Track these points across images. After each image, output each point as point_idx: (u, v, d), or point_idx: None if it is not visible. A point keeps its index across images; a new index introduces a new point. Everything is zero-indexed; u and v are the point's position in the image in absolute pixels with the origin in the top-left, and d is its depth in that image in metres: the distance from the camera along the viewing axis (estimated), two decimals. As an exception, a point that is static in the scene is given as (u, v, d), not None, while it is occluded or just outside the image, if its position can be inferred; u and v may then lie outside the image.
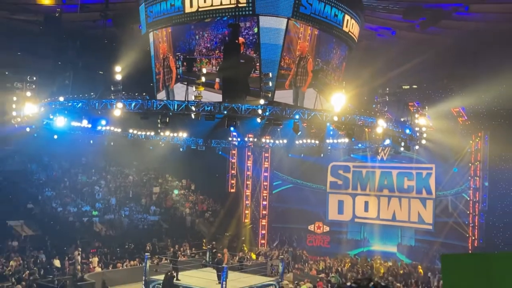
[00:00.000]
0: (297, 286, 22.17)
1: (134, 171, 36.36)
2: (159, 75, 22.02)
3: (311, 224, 33.27)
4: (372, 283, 1.16)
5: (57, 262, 23.75)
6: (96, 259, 25.10)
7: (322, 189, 33.52)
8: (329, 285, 22.46)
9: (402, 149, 24.75)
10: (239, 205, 35.23)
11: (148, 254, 24.05)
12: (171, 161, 33.92)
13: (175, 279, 21.92)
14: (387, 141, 25.66)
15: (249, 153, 35.58)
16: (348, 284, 1.18)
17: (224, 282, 20.62)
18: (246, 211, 35.37)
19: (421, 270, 26.27)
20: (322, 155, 31.25)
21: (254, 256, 30.19)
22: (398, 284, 23.16)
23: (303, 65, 20.75)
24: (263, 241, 34.44)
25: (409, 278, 24.93)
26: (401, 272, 26.32)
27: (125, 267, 25.40)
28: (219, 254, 23.76)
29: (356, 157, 32.02)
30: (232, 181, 36.06)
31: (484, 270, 3.56)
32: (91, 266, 24.40)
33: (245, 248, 31.60)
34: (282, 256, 27.59)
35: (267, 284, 23.12)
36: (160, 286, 22.07)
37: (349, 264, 27.83)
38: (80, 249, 25.58)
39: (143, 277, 22.58)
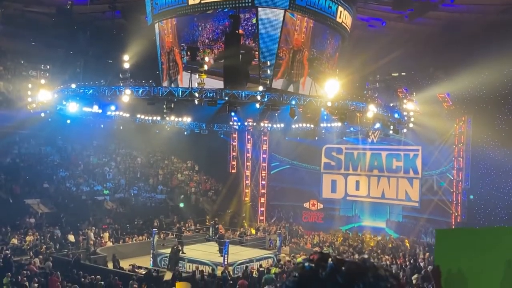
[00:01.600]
0: (293, 258, 22.42)
1: (142, 153, 36.39)
2: (164, 65, 21.93)
3: (306, 202, 33.45)
4: (330, 260, 1.02)
5: (71, 237, 23.98)
6: (107, 234, 25.30)
7: (316, 170, 33.62)
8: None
9: (391, 132, 24.80)
10: (239, 185, 35.37)
11: (156, 229, 24.28)
12: (176, 144, 33.93)
13: (180, 252, 22.17)
14: (377, 125, 25.68)
15: (249, 136, 35.58)
16: (307, 264, 0.99)
17: (225, 255, 20.86)
18: (246, 190, 35.53)
19: (408, 244, 26.52)
20: (316, 138, 31.26)
21: (253, 231, 30.44)
22: (387, 257, 23.40)
23: (299, 58, 20.66)
24: (262, 218, 34.68)
25: (397, 251, 25.18)
26: (390, 245, 26.57)
27: (134, 241, 25.62)
28: (221, 230, 23.98)
29: (348, 140, 32.05)
30: (233, 162, 36.13)
31: (473, 243, 3.66)
32: (103, 241, 24.61)
33: (245, 224, 31.84)
34: (280, 231, 27.84)
35: (266, 257, 23.38)
36: (167, 259, 22.33)
37: (342, 238, 28.09)
38: (92, 225, 25.78)
39: (151, 251, 22.82)
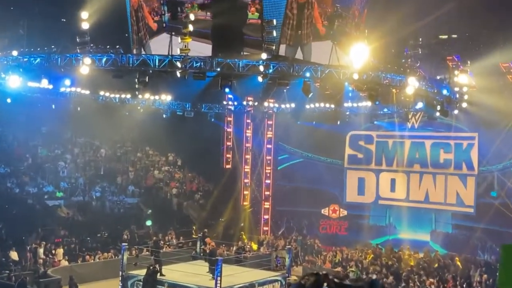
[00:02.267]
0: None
1: (107, 143, 36.39)
2: (134, 27, 21.83)
3: (325, 207, 33.48)
4: (326, 286, 1.01)
5: (14, 255, 23.98)
6: (61, 251, 25.34)
7: (338, 164, 33.59)
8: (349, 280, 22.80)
9: (437, 114, 24.76)
10: (236, 185, 35.39)
11: (126, 244, 24.29)
12: (152, 131, 33.90)
13: (158, 274, 22.20)
14: (419, 105, 25.61)
15: (249, 121, 35.56)
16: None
17: (218, 278, 20.90)
18: (245, 192, 35.56)
19: (459, 263, 26.57)
20: (338, 122, 31.24)
21: (255, 247, 30.51)
22: (431, 280, 23.46)
23: (309, 13, 20.53)
24: (266, 228, 34.75)
25: (445, 272, 25.23)
26: (435, 265, 26.61)
27: (97, 260, 25.68)
28: (211, 244, 24.02)
29: (381, 125, 32.02)
30: (228, 155, 36.13)
31: None
32: (56, 260, 24.66)
33: (244, 237, 31.94)
34: (290, 246, 27.88)
35: (272, 280, 23.44)
36: (141, 283, 22.36)
37: (372, 255, 28.15)
38: (42, 239, 25.81)
39: (120, 272, 22.86)
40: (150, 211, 32.27)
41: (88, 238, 27.86)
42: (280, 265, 27.15)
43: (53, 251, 25.22)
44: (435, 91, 22.98)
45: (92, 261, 25.51)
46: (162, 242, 25.87)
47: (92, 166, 34.25)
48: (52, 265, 24.03)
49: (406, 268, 26.07)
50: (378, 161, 32.44)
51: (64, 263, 24.69)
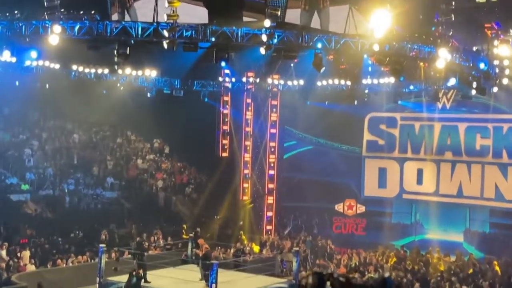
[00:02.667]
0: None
1: (81, 126, 36.42)
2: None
3: (339, 203, 33.57)
4: (329, 285, 1.10)
5: (-27, 258, 24.11)
6: (27, 253, 25.38)
7: (355, 152, 33.64)
8: None
9: (473, 92, 24.73)
10: (234, 176, 35.47)
11: (104, 245, 24.36)
12: (134, 112, 33.91)
13: (142, 281, 22.31)
14: (452, 81, 25.65)
15: (249, 100, 35.56)
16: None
17: (213, 285, 21.01)
18: (245, 185, 35.63)
19: (497, 268, 26.65)
20: (356, 102, 31.21)
21: (256, 249, 30.64)
22: (465, 287, 23.56)
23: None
24: (269, 227, 34.86)
25: (481, 278, 25.33)
26: (470, 271, 26.70)
27: (70, 264, 25.76)
28: (205, 245, 24.12)
29: (406, 105, 32.04)
30: (224, 141, 36.15)
31: None
32: (21, 264, 24.71)
33: (244, 238, 32.03)
34: (297, 248, 27.99)
35: (276, 288, 23.56)
36: (122, 291, 22.50)
37: (394, 259, 28.25)
38: (4, 239, 25.90)
39: (97, 279, 22.97)
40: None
41: (59, 239, 27.92)
42: (286, 270, 27.23)
43: (18, 254, 25.24)
44: (471, 65, 22.94)
45: (64, 265, 25.51)
46: (146, 244, 25.94)
47: (64, 154, 34.27)
48: (16, 270, 24.06)
49: (435, 274, 26.17)
50: (403, 148, 32.45)
51: (31, 267, 24.73)
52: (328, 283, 0.90)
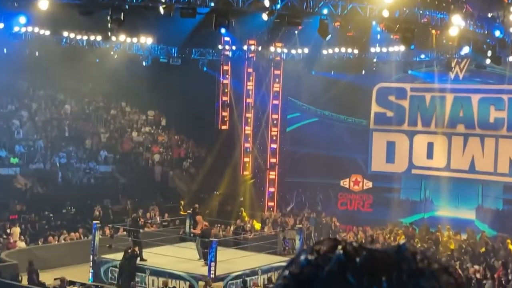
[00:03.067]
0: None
1: (73, 96, 36.26)
2: None
3: (344, 178, 33.51)
4: (340, 248, 1.07)
5: (-41, 235, 24.12)
6: (17, 230, 25.44)
7: (362, 125, 33.51)
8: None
9: (488, 61, 24.58)
10: (234, 150, 35.39)
11: (98, 222, 24.39)
12: (129, 82, 33.71)
13: (138, 259, 22.33)
14: (465, 50, 25.48)
15: (250, 70, 35.35)
16: (303, 257, 1.08)
17: (212, 263, 21.01)
18: (246, 159, 35.56)
19: (511, 246, 26.65)
20: (363, 72, 31.05)
21: (257, 226, 30.65)
22: (476, 267, 23.54)
23: None
24: (271, 204, 34.86)
25: (493, 257, 25.33)
26: (482, 249, 26.70)
27: (62, 241, 25.81)
28: (205, 223, 24.13)
29: (417, 75, 31.84)
30: (224, 113, 36.01)
31: None
32: (11, 241, 24.75)
33: (244, 214, 32.05)
34: (300, 226, 28.01)
35: (278, 267, 23.54)
36: (117, 270, 22.50)
37: (403, 237, 28.24)
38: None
39: (91, 256, 23.00)
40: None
41: (51, 215, 27.98)
42: (289, 248, 27.25)
43: (8, 230, 25.31)
44: (486, 32, 22.76)
45: (56, 242, 25.61)
46: (142, 220, 25.98)
47: (55, 126, 34.17)
48: (6, 247, 24.14)
49: (445, 252, 26.20)
50: (413, 121, 32.30)
51: (22, 244, 24.81)
52: (340, 246, 0.85)
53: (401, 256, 1.07)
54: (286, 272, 1.09)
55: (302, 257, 1.10)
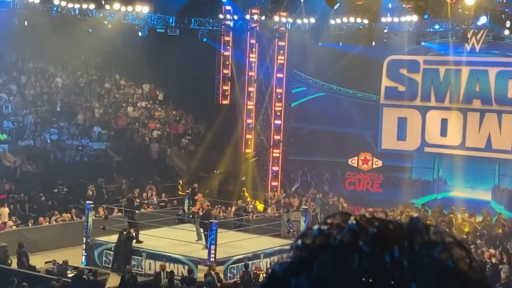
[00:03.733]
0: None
1: (64, 69, 36.19)
2: None
3: (353, 157, 33.52)
4: (353, 219, 1.12)
5: None
6: (6, 210, 25.52)
7: (372, 100, 33.46)
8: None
9: (507, 32, 24.44)
10: (236, 126, 35.39)
11: (91, 202, 24.50)
12: (124, 54, 33.69)
13: (134, 241, 22.47)
14: (482, 20, 25.37)
15: (253, 41, 35.23)
16: (317, 227, 1.13)
17: (212, 246, 21.13)
18: (248, 136, 35.57)
19: (529, 229, 26.78)
20: (374, 43, 30.89)
21: (260, 207, 30.75)
22: (492, 251, 23.64)
23: None
24: (275, 183, 34.93)
25: (510, 241, 25.40)
26: (499, 231, 26.77)
27: (54, 223, 25.90)
28: (205, 203, 24.22)
29: (431, 47, 31.70)
30: (225, 87, 35.96)
31: None
32: (0, 222, 24.90)
33: (246, 195, 32.16)
34: (306, 207, 28.10)
35: (282, 250, 23.66)
36: (111, 253, 22.65)
37: (414, 219, 28.35)
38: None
39: (84, 239, 23.14)
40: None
41: (42, 194, 28.00)
42: (293, 230, 27.34)
43: (-4, 211, 25.44)
44: (504, 1, 22.61)
45: (47, 224, 25.69)
46: (138, 201, 26.04)
47: (45, 100, 34.15)
48: (-5, 228, 24.29)
49: (459, 235, 26.26)
50: (425, 96, 32.23)
51: (11, 225, 24.91)
52: (352, 217, 0.92)
53: (414, 227, 1.11)
54: (299, 242, 1.13)
55: (315, 228, 1.14)
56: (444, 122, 31.92)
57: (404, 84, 32.72)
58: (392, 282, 1.04)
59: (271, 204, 31.08)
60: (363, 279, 1.04)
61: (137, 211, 24.52)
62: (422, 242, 1.08)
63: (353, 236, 1.08)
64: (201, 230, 22.80)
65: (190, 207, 25.70)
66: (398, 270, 1.04)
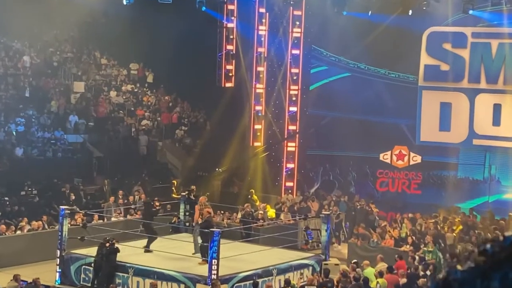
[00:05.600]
0: (356, 269, 22.62)
1: (33, 45, 36.28)
2: None
3: (385, 151, 33.41)
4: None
5: None
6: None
7: (409, 81, 33.36)
8: (422, 265, 22.89)
9: None
10: (242, 114, 35.36)
11: (67, 207, 24.48)
12: (105, 27, 33.71)
13: (114, 254, 22.43)
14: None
15: (263, 10, 35.15)
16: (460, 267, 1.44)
17: (214, 260, 21.07)
18: (257, 126, 35.50)
19: None
20: (410, 12, 30.80)
21: (272, 213, 30.72)
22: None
23: None
24: (289, 184, 34.89)
25: None
26: None
27: (19, 232, 25.96)
28: (206, 209, 24.13)
29: (481, 17, 31.65)
30: (229, 67, 35.87)
31: None
32: (-43, 231, 25.00)
33: (255, 198, 32.14)
34: (328, 212, 28.03)
35: (299, 265, 23.65)
36: (92, 268, 22.63)
37: (461, 226, 28.26)
38: None
39: (57, 252, 23.12)
40: None
41: (6, 198, 28.12)
42: (312, 241, 27.28)
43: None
44: None
45: (13, 234, 25.75)
46: (157, 205, 25.74)
47: (10, 84, 34.22)
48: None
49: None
50: (474, 76, 32.11)
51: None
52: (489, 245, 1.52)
53: None
54: (488, 246, 1.43)
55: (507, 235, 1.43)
56: (497, 108, 31.77)
57: (448, 62, 32.56)
58: None
59: (285, 209, 31.02)
60: None
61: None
62: None
63: None
64: (200, 241, 22.71)
65: (187, 213, 25.62)
66: None
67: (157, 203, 25.32)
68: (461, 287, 1.27)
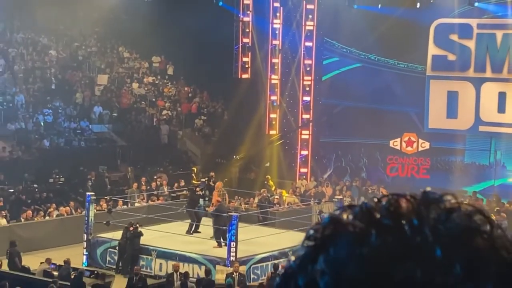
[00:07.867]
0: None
1: (59, 39, 36.30)
2: None
3: (395, 138, 33.36)
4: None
5: None
6: (-4, 204, 25.80)
7: (417, 71, 33.27)
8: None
9: None
10: (258, 104, 35.34)
11: (92, 193, 24.60)
12: (128, 22, 33.71)
13: (138, 238, 22.51)
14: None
15: (277, 4, 35.10)
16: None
17: (233, 243, 21.16)
18: (273, 115, 35.50)
19: None
20: (418, 5, 30.68)
21: (287, 197, 30.75)
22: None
23: None
24: (304, 170, 34.89)
25: None
26: None
27: (48, 218, 26.07)
28: (215, 198, 24.17)
29: (486, 8, 31.50)
30: (245, 59, 35.86)
31: None
32: (-13, 217, 25.13)
33: (271, 183, 32.16)
34: (341, 197, 28.06)
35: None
36: (117, 251, 22.75)
37: (467, 210, 28.27)
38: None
39: (84, 235, 23.25)
40: None
41: (35, 185, 28.19)
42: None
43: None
44: None
45: (42, 219, 25.84)
46: (198, 190, 25.73)
47: (38, 77, 34.28)
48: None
49: (520, 229, 26.16)
50: (480, 66, 31.99)
51: (1, 221, 25.09)
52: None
53: (427, 198, 1.19)
54: (310, 231, 1.22)
55: (325, 215, 1.19)
56: (502, 96, 31.68)
57: (455, 52, 32.45)
58: (415, 250, 1.10)
59: (299, 194, 31.05)
60: (384, 251, 1.11)
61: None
62: (440, 210, 1.15)
63: (367, 212, 1.16)
64: (217, 227, 22.80)
65: (206, 199, 25.72)
66: (419, 237, 1.10)
67: (199, 190, 25.48)
68: (295, 276, 1.18)
